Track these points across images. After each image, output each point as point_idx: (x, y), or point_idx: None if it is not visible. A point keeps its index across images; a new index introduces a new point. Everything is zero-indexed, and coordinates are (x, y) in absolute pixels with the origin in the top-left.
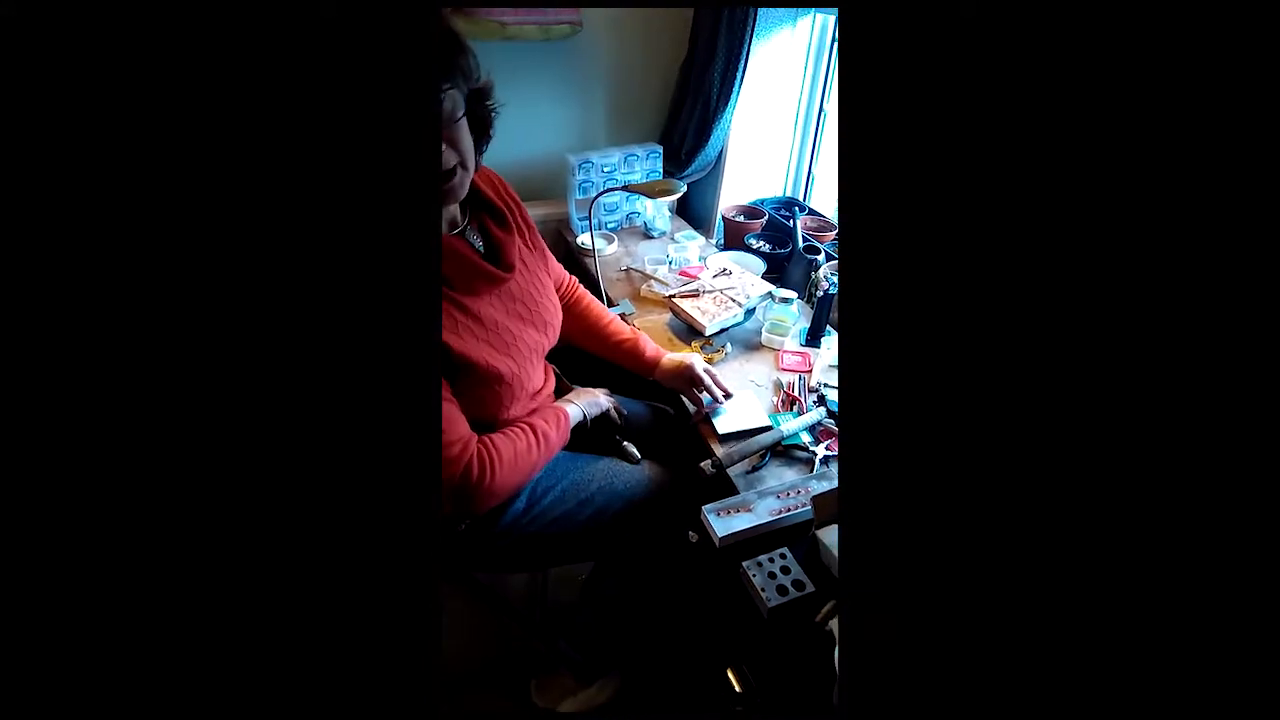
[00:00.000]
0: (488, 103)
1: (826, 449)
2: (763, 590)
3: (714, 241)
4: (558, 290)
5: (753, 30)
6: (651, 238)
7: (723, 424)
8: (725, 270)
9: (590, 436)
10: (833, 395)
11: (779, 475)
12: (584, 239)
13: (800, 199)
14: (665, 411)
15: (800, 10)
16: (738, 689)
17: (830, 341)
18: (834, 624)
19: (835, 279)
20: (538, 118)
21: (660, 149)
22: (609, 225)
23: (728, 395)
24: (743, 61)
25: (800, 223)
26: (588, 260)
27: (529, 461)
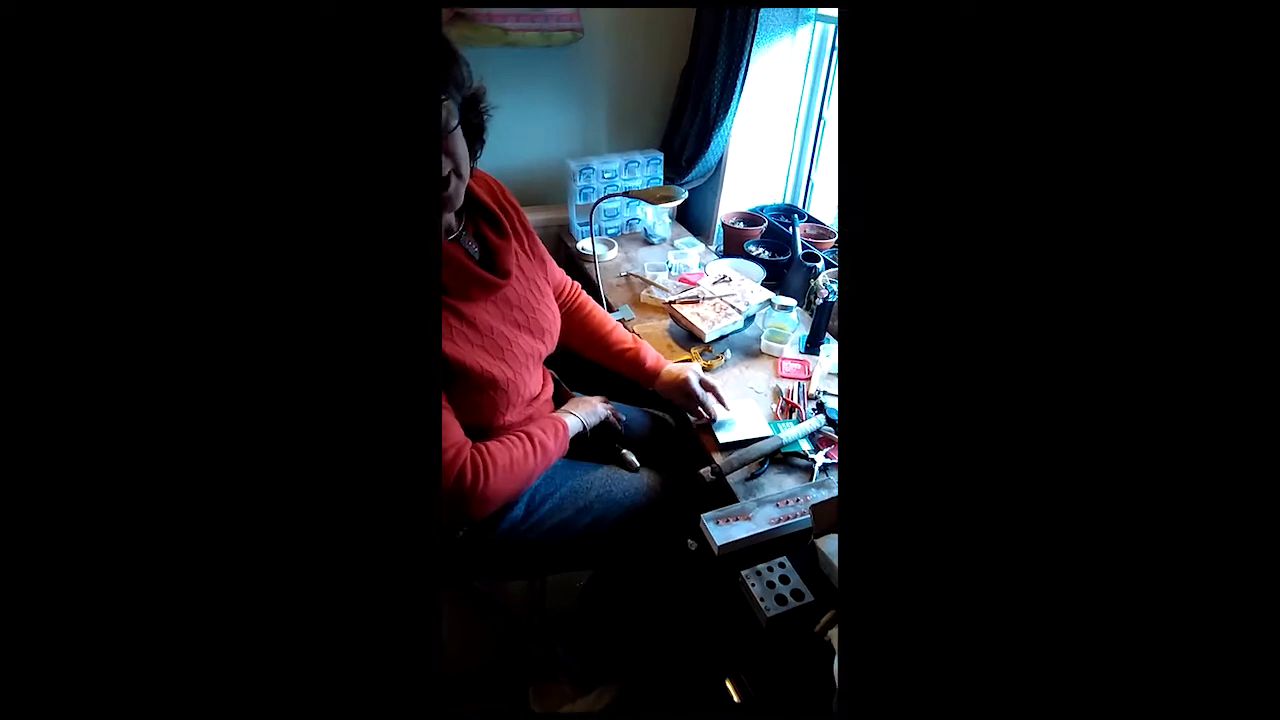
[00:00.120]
0: (480, 107)
1: (825, 457)
2: (761, 600)
3: (714, 248)
4: (558, 296)
5: (753, 37)
6: (652, 244)
7: (722, 432)
8: (725, 277)
9: (589, 444)
10: (832, 403)
11: (778, 483)
12: (584, 244)
13: (800, 206)
14: (664, 419)
15: (800, 19)
16: (736, 699)
17: (829, 349)
18: (833, 634)
19: (834, 286)
20: (539, 123)
21: (661, 155)
22: (609, 231)
23: (724, 410)
24: (743, 69)
25: (799, 230)
26: (588, 265)
27: (524, 470)
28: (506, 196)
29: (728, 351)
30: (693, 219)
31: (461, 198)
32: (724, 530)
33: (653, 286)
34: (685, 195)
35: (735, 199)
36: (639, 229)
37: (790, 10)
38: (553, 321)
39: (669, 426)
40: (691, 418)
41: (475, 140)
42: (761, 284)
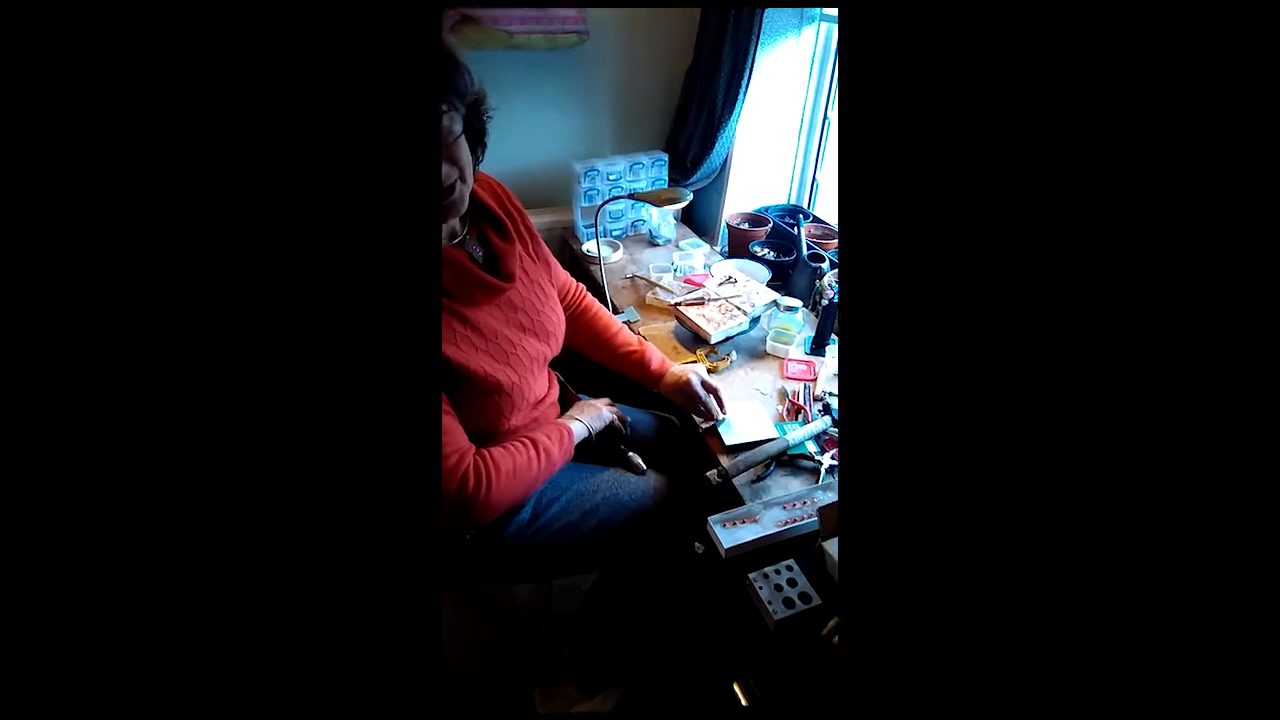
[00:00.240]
0: (482, 112)
1: (832, 458)
2: (769, 603)
3: (718, 249)
4: (564, 298)
5: (758, 39)
6: (657, 245)
7: (728, 434)
8: (730, 278)
9: (595, 447)
10: (837, 404)
11: (784, 485)
12: (589, 246)
13: (805, 207)
14: (670, 421)
15: (805, 19)
16: (744, 702)
17: (835, 350)
18: None
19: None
20: (543, 126)
21: (665, 157)
22: (614, 232)
23: (721, 413)
24: (748, 70)
25: (804, 230)
26: (593, 267)
27: (528, 476)
28: (510, 199)
29: (733, 353)
30: (698, 220)
31: (466, 203)
32: (731, 533)
33: (658, 288)
34: (690, 197)
35: (740, 200)
36: (644, 230)
37: (795, 11)
38: (557, 324)
39: (675, 428)
40: (697, 420)
41: (477, 144)
42: (767, 285)
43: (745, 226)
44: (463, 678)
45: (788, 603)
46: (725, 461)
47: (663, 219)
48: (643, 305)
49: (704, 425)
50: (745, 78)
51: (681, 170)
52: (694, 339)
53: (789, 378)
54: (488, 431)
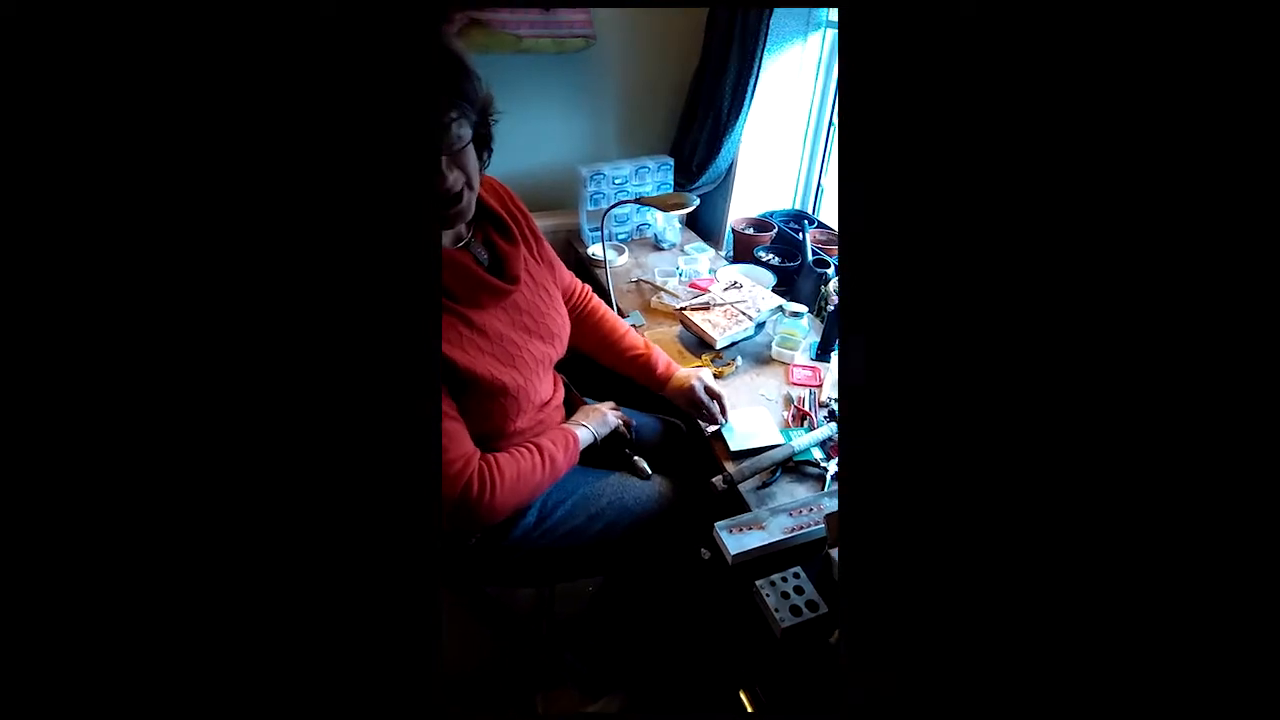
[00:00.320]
0: (489, 116)
1: (837, 465)
2: (776, 610)
3: (723, 254)
4: (569, 299)
5: (764, 44)
6: (662, 249)
7: (734, 440)
8: (735, 283)
9: (600, 451)
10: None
11: (790, 491)
12: (594, 250)
13: (810, 212)
14: (676, 426)
15: (812, 25)
16: (749, 709)
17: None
18: None
19: None
20: (549, 129)
21: (671, 161)
22: (619, 236)
23: (723, 419)
24: (754, 75)
25: (809, 236)
26: (598, 271)
27: (532, 482)
28: (515, 202)
29: (738, 358)
30: (703, 224)
31: (473, 209)
32: (738, 539)
33: (663, 293)
34: (697, 202)
35: (745, 205)
36: (649, 234)
37: (802, 17)
38: (562, 326)
39: (680, 432)
40: (702, 425)
41: (483, 148)
42: (772, 290)
43: (750, 231)
44: (465, 680)
45: (795, 610)
46: (731, 467)
47: (668, 223)
48: (648, 309)
49: (709, 430)
50: (751, 83)
51: (687, 174)
52: (699, 344)
53: (794, 383)
54: (494, 434)
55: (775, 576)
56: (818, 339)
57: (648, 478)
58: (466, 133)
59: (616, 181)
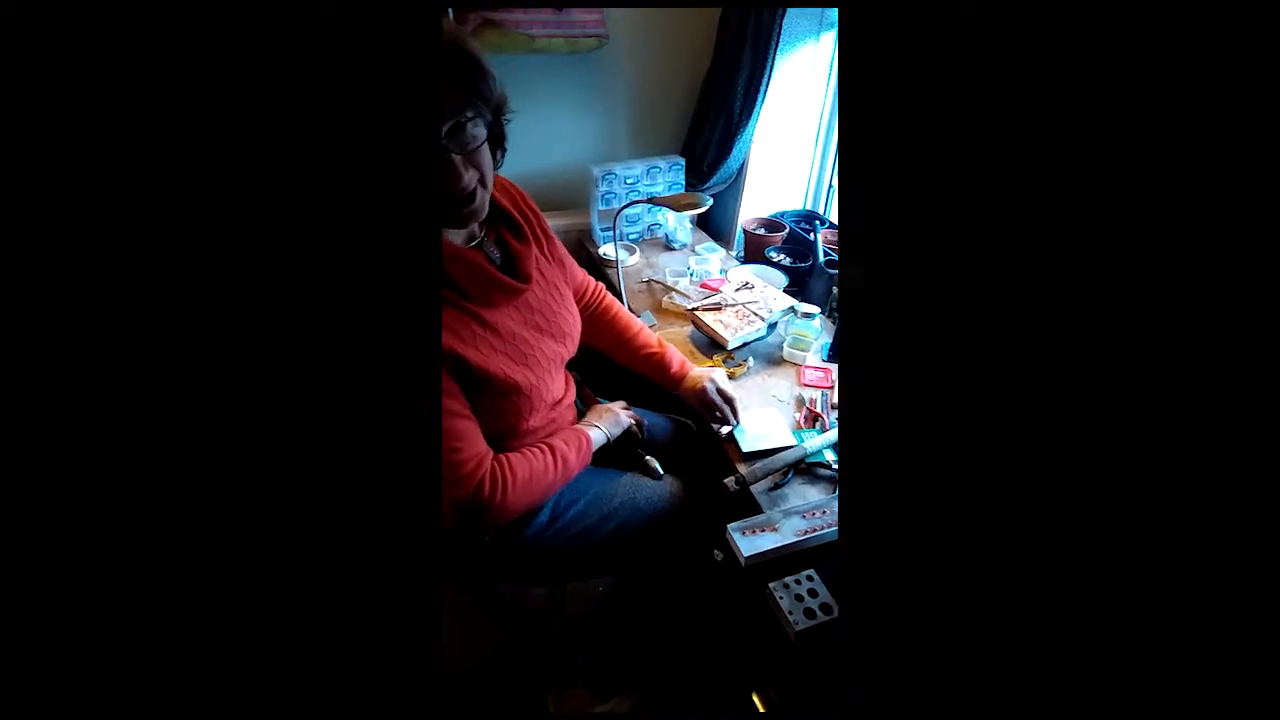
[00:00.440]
0: (503, 116)
1: (838, 466)
2: (790, 613)
3: (734, 254)
4: (582, 297)
5: (777, 45)
6: (673, 249)
7: (746, 441)
8: (747, 284)
9: (613, 451)
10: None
11: (802, 493)
12: (605, 250)
13: (821, 212)
14: (688, 426)
15: (824, 25)
16: (761, 709)
17: None
18: None
19: None
20: (561, 129)
21: (683, 161)
22: (630, 236)
23: (734, 420)
24: (766, 75)
25: (821, 236)
26: (610, 271)
27: (544, 483)
28: (526, 201)
29: (750, 359)
30: (713, 225)
31: (487, 208)
32: (751, 541)
33: (674, 293)
34: (711, 202)
35: (756, 205)
36: (660, 234)
37: (815, 16)
38: (573, 325)
39: (692, 433)
40: (714, 426)
41: (497, 148)
42: (783, 291)
43: (761, 232)
44: (476, 678)
45: (809, 613)
46: (743, 468)
47: (679, 223)
48: (659, 309)
49: (722, 431)
50: (764, 82)
51: (698, 174)
52: (711, 344)
53: (806, 385)
54: (507, 433)
55: (789, 579)
56: (830, 340)
57: (659, 478)
58: (482, 132)
59: (628, 181)
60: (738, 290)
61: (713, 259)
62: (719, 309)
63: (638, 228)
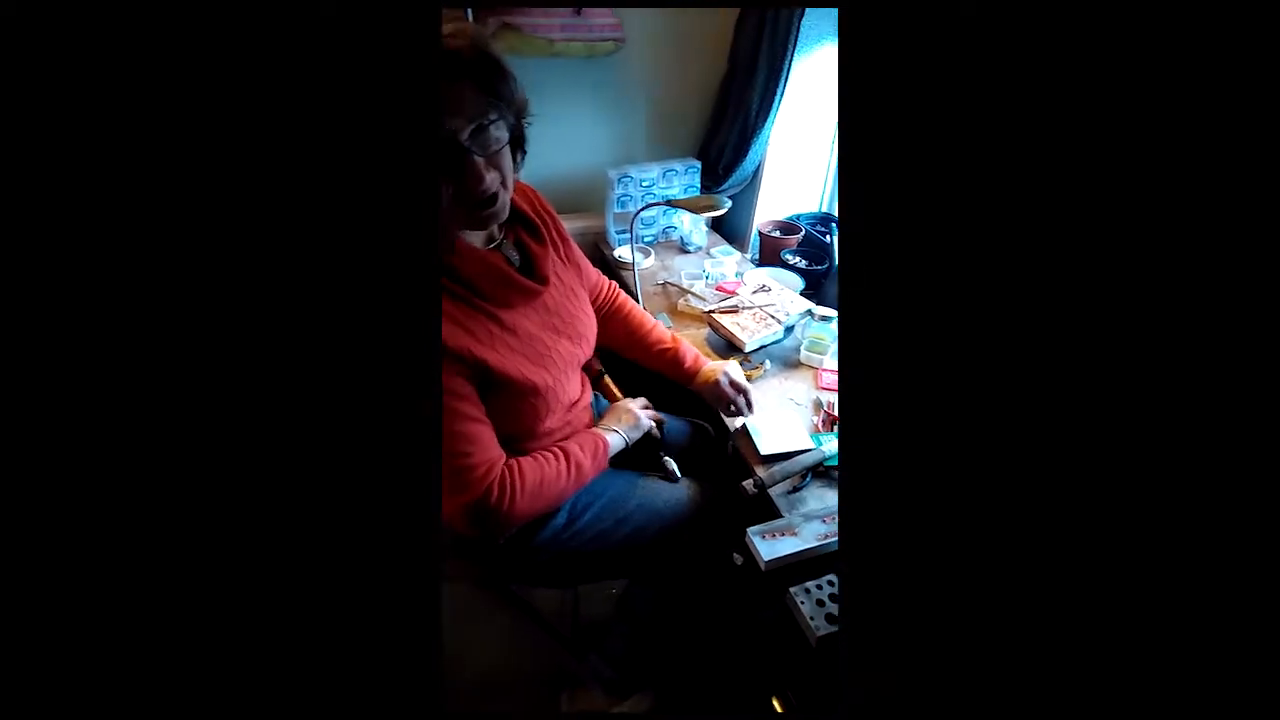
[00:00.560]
0: (524, 118)
1: (838, 466)
2: (811, 619)
3: (749, 257)
4: (596, 297)
5: (794, 47)
6: (688, 252)
7: (764, 443)
8: (764, 286)
9: (631, 451)
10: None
11: (820, 497)
12: (620, 252)
13: (837, 215)
14: (705, 429)
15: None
16: (779, 709)
17: None
18: None
19: None
20: (578, 132)
21: (698, 164)
22: (645, 239)
23: (748, 411)
24: (783, 78)
25: (837, 239)
26: (625, 274)
27: (554, 490)
28: (543, 204)
29: (767, 361)
30: (728, 227)
31: (507, 210)
32: (771, 545)
33: (689, 295)
34: (729, 205)
35: (771, 207)
36: (675, 237)
37: (832, 18)
38: (589, 327)
39: (709, 436)
40: (727, 421)
41: (517, 150)
42: (800, 294)
43: (777, 234)
44: (492, 678)
45: (830, 619)
46: (761, 471)
47: (694, 226)
48: (674, 312)
49: (735, 424)
50: (780, 86)
51: (713, 177)
52: (728, 347)
53: (823, 388)
54: (524, 434)
55: (810, 584)
56: None
57: (676, 480)
58: (504, 135)
59: (644, 184)
60: (755, 293)
61: (728, 262)
62: (736, 311)
63: (653, 230)
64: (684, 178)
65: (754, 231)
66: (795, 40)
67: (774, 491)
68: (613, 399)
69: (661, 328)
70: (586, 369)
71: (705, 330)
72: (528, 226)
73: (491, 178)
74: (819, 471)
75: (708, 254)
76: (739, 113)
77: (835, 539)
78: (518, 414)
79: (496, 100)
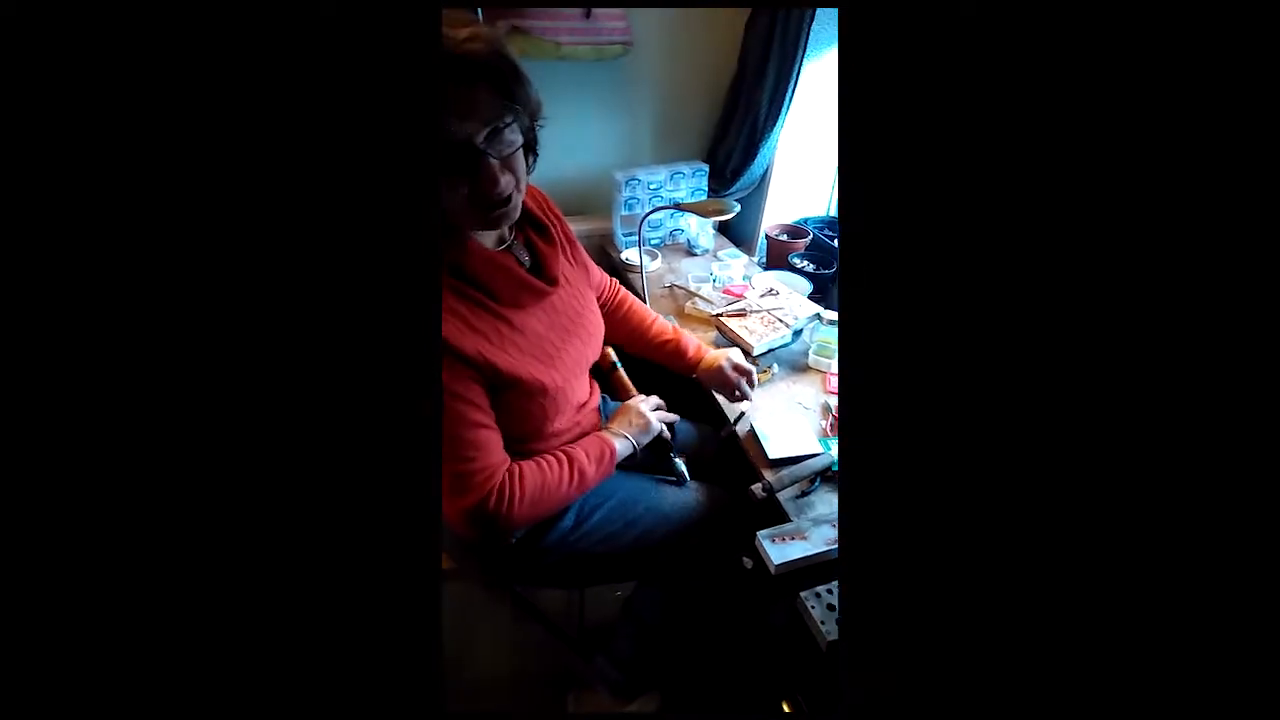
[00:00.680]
0: (537, 120)
1: (837, 467)
2: (822, 623)
3: (756, 260)
4: (600, 295)
5: (804, 51)
6: (694, 255)
7: (772, 448)
8: (772, 290)
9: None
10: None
11: (828, 501)
12: (628, 255)
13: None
14: (714, 433)
15: None
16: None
17: None
18: None
19: None
20: (585, 135)
21: (705, 167)
22: (652, 241)
23: (750, 396)
24: (792, 81)
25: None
26: (632, 276)
27: (556, 497)
28: (550, 206)
29: (775, 365)
30: (735, 230)
31: (519, 212)
32: (781, 549)
33: (697, 298)
34: (738, 209)
35: (779, 211)
36: (681, 240)
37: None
38: (598, 327)
39: (717, 439)
40: (728, 416)
41: (530, 152)
42: (808, 297)
43: (784, 238)
44: (496, 679)
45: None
46: (769, 475)
47: (701, 229)
48: (681, 315)
49: (739, 408)
50: (790, 89)
51: (721, 180)
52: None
53: (832, 392)
54: (532, 435)
55: (820, 589)
56: None
57: (684, 483)
58: (518, 137)
59: (651, 187)
60: (763, 296)
61: (735, 265)
62: (743, 315)
63: (659, 233)
64: (691, 180)
65: (761, 235)
66: (805, 43)
67: (782, 496)
68: (626, 394)
69: (663, 321)
70: (598, 364)
71: (713, 333)
72: (537, 227)
73: (506, 180)
74: (827, 476)
75: (715, 257)
76: (748, 116)
77: None
78: (526, 414)
79: (512, 103)
